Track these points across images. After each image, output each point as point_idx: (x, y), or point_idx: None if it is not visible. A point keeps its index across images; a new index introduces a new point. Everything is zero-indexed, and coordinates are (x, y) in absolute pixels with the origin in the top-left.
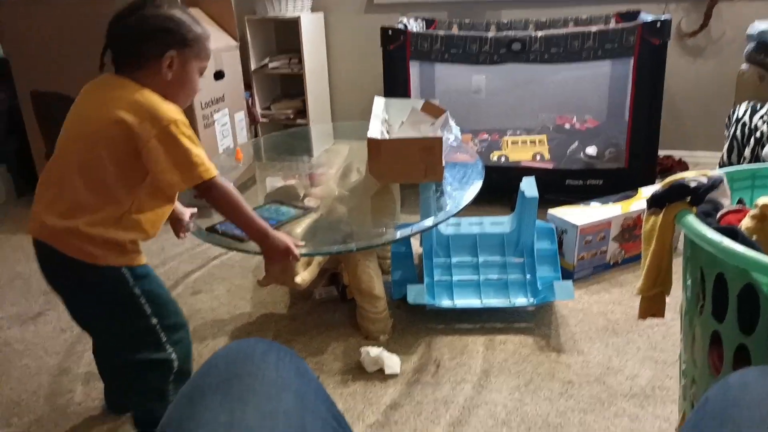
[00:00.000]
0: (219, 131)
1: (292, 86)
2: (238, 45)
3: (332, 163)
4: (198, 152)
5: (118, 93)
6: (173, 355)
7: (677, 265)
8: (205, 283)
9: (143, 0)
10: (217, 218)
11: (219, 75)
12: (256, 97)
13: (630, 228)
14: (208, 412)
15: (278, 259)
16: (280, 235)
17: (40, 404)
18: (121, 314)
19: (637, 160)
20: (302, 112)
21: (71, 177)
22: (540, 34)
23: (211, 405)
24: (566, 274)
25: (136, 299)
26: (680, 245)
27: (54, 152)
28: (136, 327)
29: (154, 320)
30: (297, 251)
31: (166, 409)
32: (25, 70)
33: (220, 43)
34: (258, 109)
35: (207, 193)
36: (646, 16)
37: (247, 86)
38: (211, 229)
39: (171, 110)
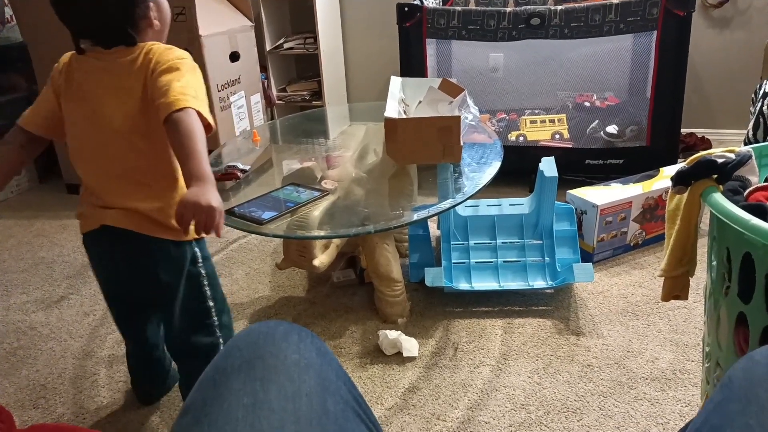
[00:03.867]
0: (235, 114)
1: (307, 67)
2: (253, 26)
3: (349, 145)
4: (197, 84)
5: (134, 65)
6: (220, 340)
7: (701, 245)
8: (224, 266)
9: None
10: (234, 201)
11: (234, 56)
12: (271, 79)
13: (651, 208)
14: (231, 394)
15: (198, 207)
16: (218, 195)
17: (66, 387)
18: (187, 294)
19: (659, 138)
20: (318, 93)
21: (138, 161)
22: (560, 7)
23: (234, 386)
24: (586, 256)
25: (201, 279)
26: (704, 225)
27: (89, 146)
28: (196, 308)
29: (211, 303)
30: (221, 227)
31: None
32: (44, 56)
33: (235, 24)
34: (274, 91)
35: (183, 120)
36: None
37: (263, 68)
38: (230, 212)
39: (179, 52)
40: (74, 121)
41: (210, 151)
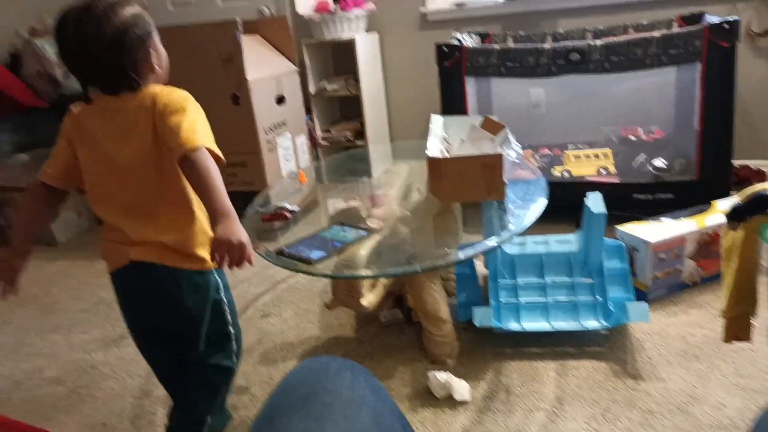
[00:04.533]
0: (282, 155)
1: (350, 108)
2: (298, 70)
3: (392, 184)
4: (203, 122)
5: (141, 109)
6: (236, 365)
7: (763, 283)
8: (274, 306)
9: (86, 14)
10: (283, 241)
11: (281, 100)
12: (316, 120)
13: (707, 244)
14: (289, 431)
15: (231, 245)
16: (244, 229)
17: (125, 425)
18: (211, 320)
19: (710, 170)
20: (361, 133)
21: (154, 195)
22: (599, 42)
23: (291, 423)
24: (639, 295)
25: (223, 305)
26: (766, 261)
27: (105, 187)
28: (219, 333)
29: (231, 329)
30: (253, 257)
31: (218, 417)
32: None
33: (280, 69)
34: (318, 132)
35: (199, 159)
36: (712, 18)
37: (307, 110)
38: (279, 252)
39: (182, 93)
40: (89, 166)
41: (257, 192)
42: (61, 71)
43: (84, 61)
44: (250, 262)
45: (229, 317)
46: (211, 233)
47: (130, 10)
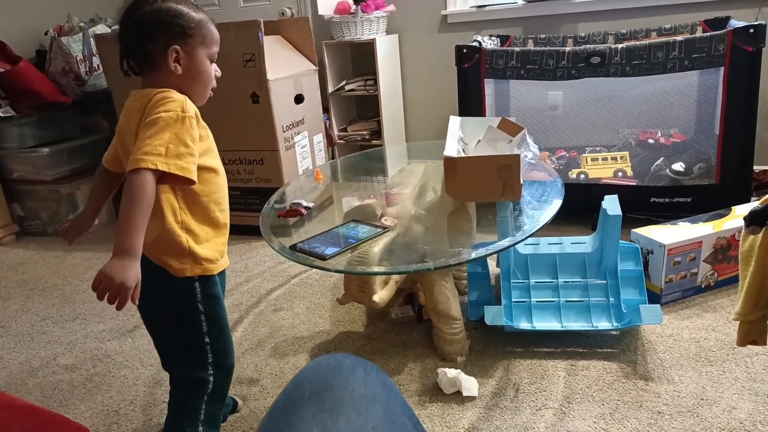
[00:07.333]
0: (299, 153)
1: (367, 107)
2: (317, 69)
3: (408, 183)
4: (175, 141)
5: (140, 111)
6: (211, 378)
7: None
8: (286, 300)
9: (138, 0)
10: (297, 237)
11: (299, 99)
12: (333, 119)
13: (723, 248)
14: (302, 424)
15: (110, 283)
16: (135, 272)
17: (137, 414)
18: (180, 325)
19: (730, 175)
20: (377, 132)
21: None
22: (620, 46)
23: (304, 416)
24: (653, 297)
25: (198, 315)
26: None
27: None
28: (190, 341)
29: (207, 339)
30: (133, 299)
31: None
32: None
33: (300, 68)
34: (335, 131)
35: (132, 182)
36: (737, 23)
37: (325, 109)
38: (294, 248)
39: (172, 104)
40: (122, 157)
41: (274, 189)
42: (84, 69)
43: (120, 38)
44: (123, 304)
45: (205, 327)
46: (189, 246)
47: (169, 5)
